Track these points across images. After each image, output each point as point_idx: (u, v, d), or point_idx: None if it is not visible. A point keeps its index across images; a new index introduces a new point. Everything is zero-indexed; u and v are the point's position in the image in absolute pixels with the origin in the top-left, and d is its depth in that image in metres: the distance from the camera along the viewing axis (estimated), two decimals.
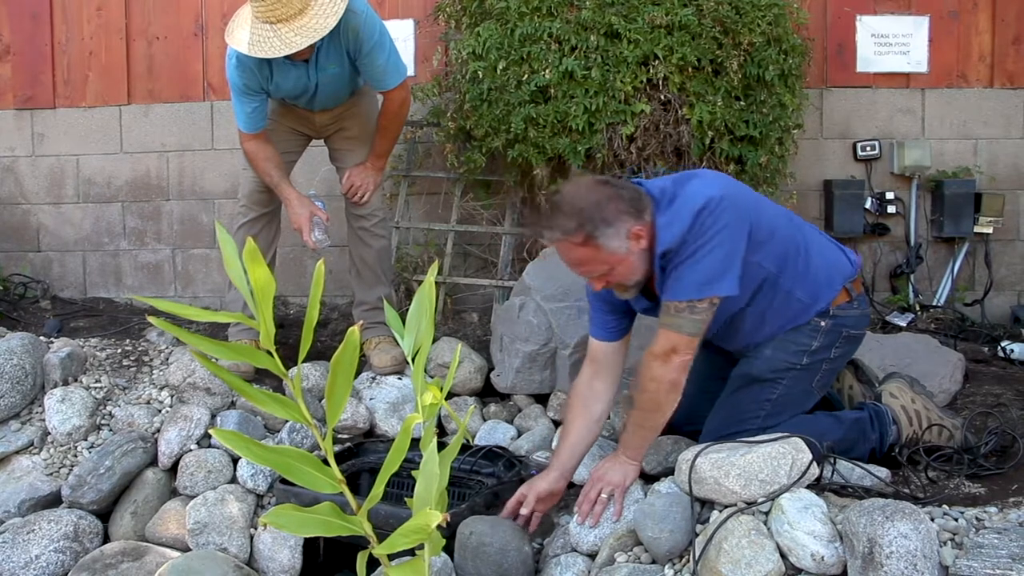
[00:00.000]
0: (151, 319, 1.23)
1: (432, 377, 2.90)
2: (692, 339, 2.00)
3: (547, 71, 2.77)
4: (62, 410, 2.69)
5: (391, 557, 1.36)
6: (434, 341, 2.93)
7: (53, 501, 2.55)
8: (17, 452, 2.68)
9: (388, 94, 2.76)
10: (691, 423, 2.31)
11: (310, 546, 2.40)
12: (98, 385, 2.84)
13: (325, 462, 1.32)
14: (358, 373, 2.96)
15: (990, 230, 3.49)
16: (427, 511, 1.25)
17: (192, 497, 2.48)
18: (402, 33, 3.54)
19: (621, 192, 2.01)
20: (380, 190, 3.03)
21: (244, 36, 2.48)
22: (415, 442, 1.38)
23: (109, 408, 2.79)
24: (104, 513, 2.53)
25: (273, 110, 2.80)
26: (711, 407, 2.24)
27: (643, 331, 2.26)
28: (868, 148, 3.52)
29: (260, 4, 2.44)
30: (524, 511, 2.16)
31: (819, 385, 2.23)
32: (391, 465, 1.28)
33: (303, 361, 1.41)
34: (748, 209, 2.03)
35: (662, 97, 2.79)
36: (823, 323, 2.14)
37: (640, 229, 1.99)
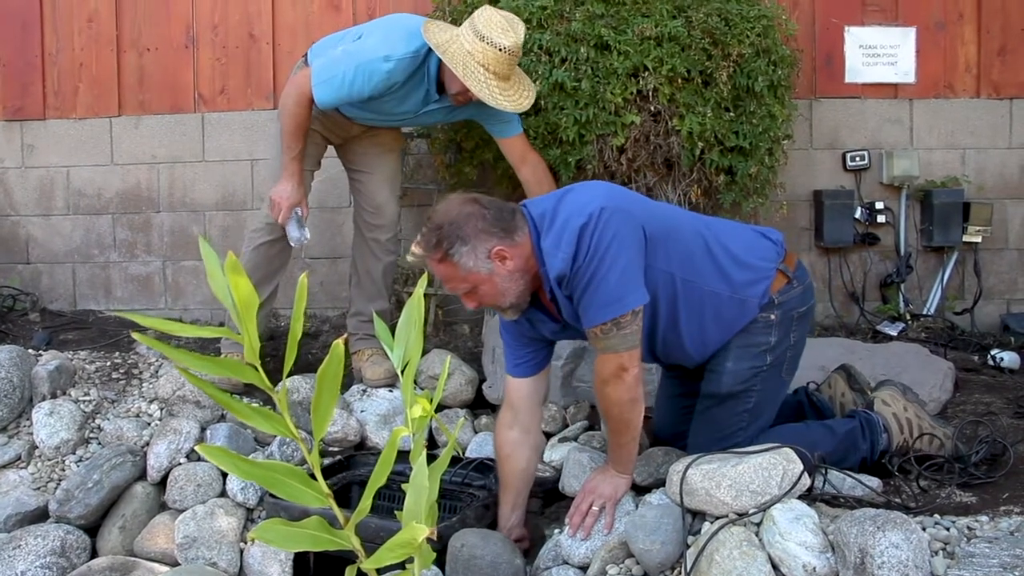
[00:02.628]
0: (135, 335, 1.22)
1: (423, 389, 2.89)
2: (632, 352, 1.98)
3: (537, 83, 2.78)
4: (50, 423, 2.67)
5: (380, 571, 1.35)
6: (425, 353, 2.92)
7: (40, 516, 2.53)
8: (4, 466, 2.66)
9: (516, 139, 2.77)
10: (679, 439, 2.31)
11: (300, 560, 2.38)
12: (87, 398, 2.82)
13: (313, 476, 1.31)
14: (348, 385, 2.95)
15: (979, 239, 3.50)
16: (414, 524, 1.23)
17: (181, 511, 2.46)
18: None
19: (485, 212, 1.97)
20: (399, 204, 3.03)
21: (480, 78, 2.49)
22: (405, 455, 1.37)
23: (98, 421, 2.77)
24: (92, 528, 2.51)
25: (313, 117, 2.75)
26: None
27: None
28: (857, 158, 3.52)
29: (501, 60, 2.49)
30: None
31: (788, 371, 2.22)
32: (378, 479, 1.26)
33: (290, 374, 1.40)
34: (633, 213, 1.98)
35: (652, 108, 2.79)
36: (772, 316, 2.10)
37: (504, 249, 1.96)
